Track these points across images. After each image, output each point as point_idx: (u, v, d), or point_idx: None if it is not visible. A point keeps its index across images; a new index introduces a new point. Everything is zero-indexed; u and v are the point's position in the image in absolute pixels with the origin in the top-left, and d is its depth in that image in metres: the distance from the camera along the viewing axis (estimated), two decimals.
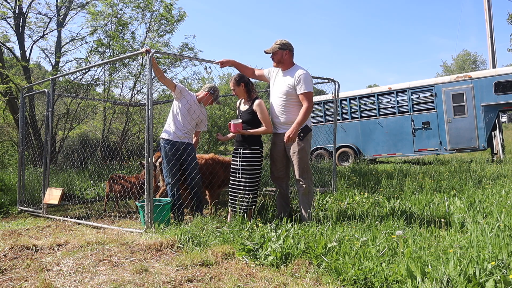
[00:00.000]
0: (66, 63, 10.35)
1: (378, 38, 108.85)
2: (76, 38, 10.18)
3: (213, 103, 4.44)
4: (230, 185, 3.86)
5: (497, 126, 10.37)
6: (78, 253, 2.95)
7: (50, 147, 5.24)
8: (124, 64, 10.31)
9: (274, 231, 3.12)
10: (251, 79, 3.98)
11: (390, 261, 2.42)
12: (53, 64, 9.91)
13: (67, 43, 10.32)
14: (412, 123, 10.90)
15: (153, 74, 3.87)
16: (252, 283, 2.34)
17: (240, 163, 3.75)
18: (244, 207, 3.69)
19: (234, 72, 4.05)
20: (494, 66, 12.66)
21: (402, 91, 11.17)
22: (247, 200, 3.70)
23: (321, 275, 2.41)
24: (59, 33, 10.10)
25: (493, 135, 10.43)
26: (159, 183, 4.82)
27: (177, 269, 2.56)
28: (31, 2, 9.42)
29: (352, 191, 5.23)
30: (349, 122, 12.06)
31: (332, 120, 8.43)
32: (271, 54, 3.74)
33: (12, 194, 5.99)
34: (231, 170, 3.89)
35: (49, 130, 5.14)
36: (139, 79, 10.70)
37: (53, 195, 4.78)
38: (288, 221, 3.46)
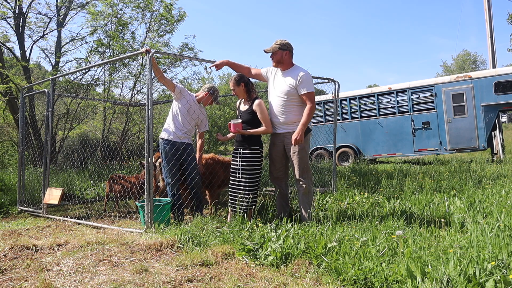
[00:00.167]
0: (66, 63, 10.38)
1: (378, 38, 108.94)
2: (76, 38, 10.20)
3: (212, 104, 4.44)
4: (230, 185, 3.86)
5: (497, 126, 10.37)
6: (78, 253, 2.95)
7: (50, 147, 5.24)
8: (124, 64, 10.31)
9: (274, 231, 3.12)
10: (251, 79, 3.99)
11: (390, 261, 2.42)
12: (53, 64, 9.91)
13: (67, 43, 10.33)
14: (412, 123, 10.90)
15: (153, 74, 3.87)
16: (252, 283, 2.34)
17: (240, 163, 3.75)
18: (244, 207, 3.69)
19: (234, 72, 4.05)
20: (494, 66, 12.66)
21: (402, 91, 11.17)
22: (247, 200, 3.70)
23: (321, 275, 2.41)
24: (59, 33, 10.10)
25: (493, 135, 10.43)
26: (159, 183, 4.82)
27: (177, 269, 2.56)
28: (31, 2, 9.43)
29: (352, 191, 5.23)
30: (349, 122, 12.06)
31: (332, 120, 8.43)
32: (270, 53, 3.74)
33: (12, 194, 5.99)
34: (231, 170, 3.89)
35: (49, 130, 5.14)
36: (139, 79, 10.70)
37: (53, 195, 4.78)
38: (288, 221, 3.46)
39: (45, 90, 5.27)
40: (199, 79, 11.78)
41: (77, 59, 10.11)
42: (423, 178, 6.04)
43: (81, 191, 6.43)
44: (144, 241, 3.09)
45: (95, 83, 10.62)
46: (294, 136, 3.54)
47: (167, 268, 2.59)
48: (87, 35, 10.06)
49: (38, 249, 3.10)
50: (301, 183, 3.68)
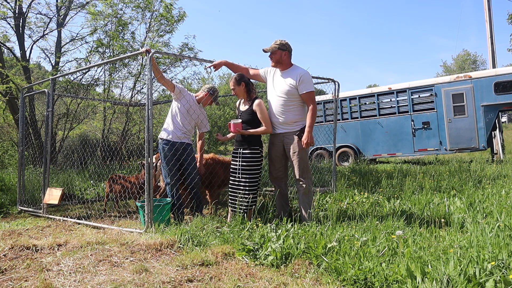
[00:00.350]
0: (66, 63, 10.38)
1: (378, 38, 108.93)
2: (76, 38, 10.19)
3: (212, 104, 4.44)
4: (230, 185, 3.86)
5: (497, 126, 10.37)
6: (78, 253, 2.95)
7: (50, 147, 5.24)
8: (124, 64, 10.31)
9: (274, 231, 3.12)
10: (251, 79, 3.99)
11: (390, 261, 2.42)
12: (53, 64, 9.91)
13: (67, 43, 10.33)
14: (412, 123, 10.90)
15: (153, 74, 3.87)
16: (252, 283, 2.34)
17: (240, 163, 3.75)
18: (244, 207, 3.69)
19: (234, 72, 4.05)
20: (494, 66, 12.66)
21: (402, 91, 11.17)
22: (247, 200, 3.70)
23: (321, 275, 2.41)
24: (59, 33, 10.10)
25: (493, 135, 10.43)
26: (159, 183, 4.82)
27: (177, 269, 2.56)
28: (31, 2, 9.43)
29: (352, 191, 5.23)
30: (349, 122, 12.06)
31: (332, 120, 8.42)
32: (269, 53, 3.74)
33: (12, 194, 5.99)
34: (231, 170, 3.89)
35: (49, 130, 5.14)
36: (139, 79, 10.70)
37: (53, 195, 4.78)
38: (288, 221, 3.46)
39: (45, 90, 5.27)
40: (199, 79, 11.81)
41: (77, 59, 10.12)
42: (423, 178, 6.04)
43: (81, 191, 6.43)
44: (144, 241, 3.09)
45: (95, 83, 10.62)
46: (304, 140, 3.56)
47: (167, 268, 2.59)
48: (87, 35, 10.07)
49: (38, 249, 3.10)
50: (301, 183, 3.68)
